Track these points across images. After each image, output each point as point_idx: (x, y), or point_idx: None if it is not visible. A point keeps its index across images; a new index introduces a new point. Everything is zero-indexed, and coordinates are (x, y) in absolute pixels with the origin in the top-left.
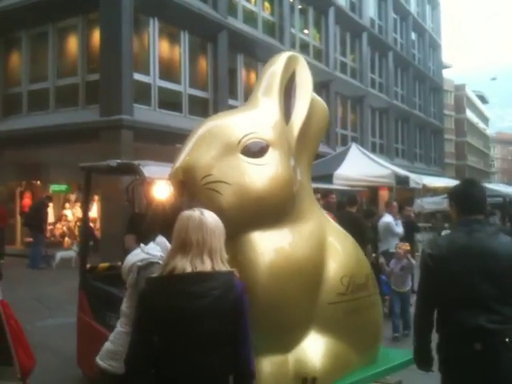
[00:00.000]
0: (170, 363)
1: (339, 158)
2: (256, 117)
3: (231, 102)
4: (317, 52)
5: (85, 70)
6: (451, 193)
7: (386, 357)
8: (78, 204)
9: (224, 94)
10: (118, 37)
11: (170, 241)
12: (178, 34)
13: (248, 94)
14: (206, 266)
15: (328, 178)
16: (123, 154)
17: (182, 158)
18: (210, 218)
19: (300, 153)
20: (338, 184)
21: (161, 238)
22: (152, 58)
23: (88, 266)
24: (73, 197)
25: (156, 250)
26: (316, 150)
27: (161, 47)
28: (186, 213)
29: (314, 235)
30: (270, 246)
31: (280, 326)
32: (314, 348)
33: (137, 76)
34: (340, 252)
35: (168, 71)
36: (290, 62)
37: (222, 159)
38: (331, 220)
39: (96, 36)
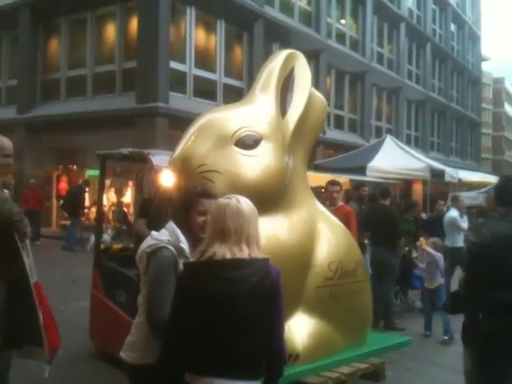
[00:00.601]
0: (206, 346)
1: (373, 150)
2: (251, 111)
3: None
4: (353, 42)
5: (122, 58)
6: (493, 188)
7: (374, 341)
8: (112, 189)
9: None
10: (156, 25)
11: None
12: (214, 23)
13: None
14: (244, 253)
15: (361, 170)
16: (158, 140)
17: (180, 148)
18: (246, 205)
19: (296, 144)
20: (371, 176)
21: (170, 224)
22: (188, 46)
23: (102, 247)
24: (107, 182)
25: (164, 234)
26: (313, 141)
27: (197, 36)
28: (223, 201)
29: (305, 223)
30: (261, 232)
31: None
32: (299, 327)
33: (173, 64)
34: (330, 239)
35: (204, 60)
36: (289, 59)
37: (216, 150)
38: (324, 209)
39: (134, 24)
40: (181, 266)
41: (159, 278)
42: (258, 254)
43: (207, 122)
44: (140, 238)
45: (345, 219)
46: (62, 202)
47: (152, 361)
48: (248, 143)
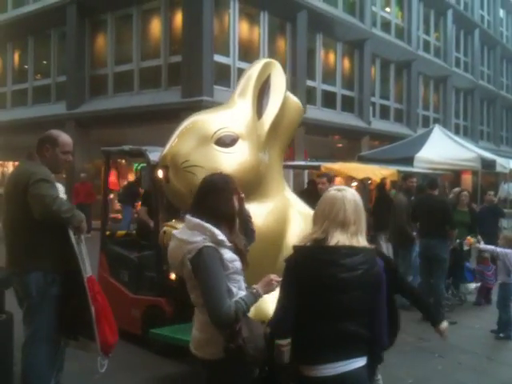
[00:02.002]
0: (316, 328)
1: (421, 140)
2: (230, 114)
3: (309, 82)
4: (399, 30)
5: (167, 52)
6: None
7: None
8: None
9: (302, 74)
10: (200, 18)
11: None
12: (257, 15)
13: (326, 74)
14: (359, 241)
15: (408, 161)
16: None
17: (167, 146)
18: (359, 198)
19: (272, 142)
20: (418, 167)
21: (195, 221)
22: (232, 39)
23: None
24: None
25: (195, 235)
26: (289, 140)
27: (240, 28)
28: (338, 193)
29: (278, 210)
30: None
31: (247, 282)
32: (272, 299)
33: (217, 57)
34: (299, 224)
35: (247, 52)
36: (266, 67)
37: (198, 148)
38: (296, 199)
39: (178, 18)
40: (225, 256)
41: (212, 277)
42: (366, 244)
43: (191, 124)
44: (142, 225)
45: None
46: (118, 195)
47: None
48: (226, 142)
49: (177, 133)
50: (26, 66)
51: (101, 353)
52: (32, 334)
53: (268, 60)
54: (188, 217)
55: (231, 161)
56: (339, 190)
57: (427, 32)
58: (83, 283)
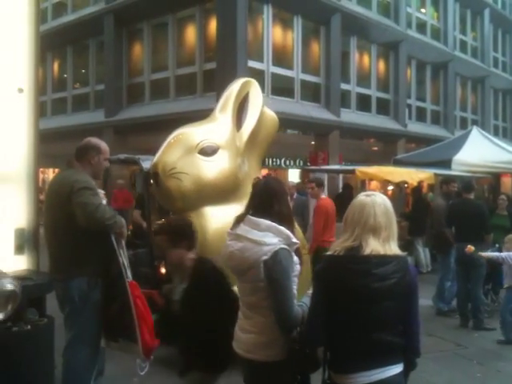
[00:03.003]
0: (350, 338)
1: (459, 143)
2: (211, 128)
3: (343, 86)
4: (435, 31)
5: (202, 59)
6: None
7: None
8: None
9: (336, 78)
10: (234, 25)
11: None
12: (291, 19)
13: (361, 76)
14: (392, 249)
15: (446, 164)
16: None
17: (157, 156)
18: (389, 203)
19: (250, 151)
20: (457, 170)
21: (269, 223)
22: (266, 44)
23: None
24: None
25: (269, 236)
26: (266, 149)
27: (274, 33)
28: (367, 198)
29: None
30: (217, 216)
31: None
32: None
33: (251, 63)
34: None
35: (281, 57)
36: (245, 86)
37: (184, 157)
38: None
39: (212, 25)
40: (295, 259)
41: (286, 280)
42: (398, 251)
43: (178, 136)
44: (136, 226)
45: (317, 211)
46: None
47: (287, 355)
48: (208, 152)
49: (165, 143)
50: (66, 75)
51: (142, 355)
52: (74, 338)
53: (246, 79)
54: (255, 218)
55: (213, 168)
56: (368, 195)
57: (464, 32)
58: (125, 287)
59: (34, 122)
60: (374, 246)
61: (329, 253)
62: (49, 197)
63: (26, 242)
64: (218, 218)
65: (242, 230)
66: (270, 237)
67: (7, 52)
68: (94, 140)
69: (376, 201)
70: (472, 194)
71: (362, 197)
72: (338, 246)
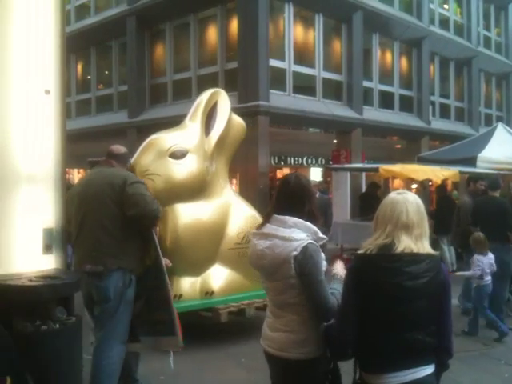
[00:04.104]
0: (382, 338)
1: (484, 140)
2: (181, 133)
3: (366, 83)
4: (458, 27)
5: (224, 59)
6: None
7: None
8: None
9: (358, 75)
10: (255, 24)
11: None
12: (312, 18)
13: (383, 74)
14: (425, 247)
15: (471, 161)
16: (260, 138)
17: (133, 159)
18: (420, 201)
19: (218, 155)
20: (482, 167)
21: (295, 220)
22: (287, 43)
23: None
24: None
25: (296, 232)
26: (233, 153)
27: (296, 32)
28: (400, 196)
29: (221, 207)
30: (187, 212)
31: (194, 261)
32: (216, 274)
33: (272, 62)
34: (238, 218)
35: (302, 55)
36: (214, 96)
37: (156, 160)
38: (238, 199)
39: (234, 25)
40: (322, 255)
41: (320, 273)
42: (430, 249)
43: (151, 141)
44: None
45: None
46: None
47: (322, 352)
48: (178, 155)
49: (141, 148)
50: (89, 77)
51: (182, 344)
52: (106, 336)
53: (215, 90)
54: (281, 216)
55: (182, 170)
56: (399, 193)
57: (487, 28)
58: (165, 280)
59: (60, 123)
60: (406, 243)
61: (361, 251)
62: (94, 189)
63: (54, 241)
64: (187, 214)
65: (270, 228)
66: (297, 232)
67: (34, 54)
68: (124, 148)
69: (408, 199)
70: (497, 192)
71: (392, 195)
72: (370, 243)
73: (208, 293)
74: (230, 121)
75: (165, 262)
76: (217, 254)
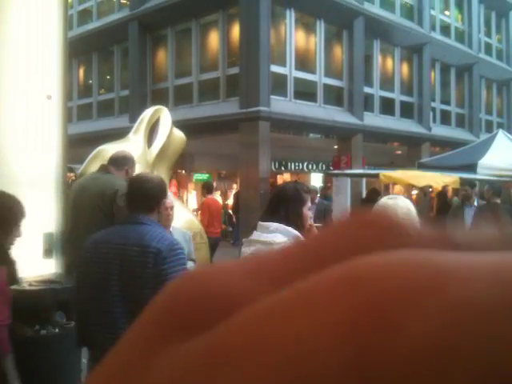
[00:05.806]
0: None
1: (484, 146)
2: (125, 145)
3: (367, 89)
4: (459, 33)
5: (225, 64)
6: None
7: None
8: (218, 192)
9: (359, 81)
10: (257, 30)
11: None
12: (313, 24)
13: (384, 80)
14: None
15: (471, 168)
16: (261, 144)
17: (81, 168)
18: (411, 206)
19: (159, 164)
20: (482, 174)
21: (276, 224)
22: (288, 48)
23: None
24: (213, 185)
25: (277, 237)
26: (173, 162)
27: (297, 38)
28: (390, 201)
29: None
30: None
31: None
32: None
33: (274, 68)
34: (179, 220)
35: (304, 61)
36: (157, 112)
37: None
38: (180, 207)
39: (235, 30)
40: None
41: None
42: None
43: (98, 152)
44: None
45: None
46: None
47: None
48: None
49: (88, 158)
50: (91, 81)
51: None
52: None
53: (158, 107)
54: (264, 223)
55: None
56: (390, 199)
57: (488, 34)
58: None
59: (62, 128)
60: None
61: None
62: (86, 197)
63: (54, 245)
64: None
65: (254, 235)
66: (279, 237)
67: (36, 59)
68: (129, 153)
69: (398, 204)
70: (499, 198)
71: (384, 200)
72: None
73: None
74: (170, 134)
75: None
76: None
